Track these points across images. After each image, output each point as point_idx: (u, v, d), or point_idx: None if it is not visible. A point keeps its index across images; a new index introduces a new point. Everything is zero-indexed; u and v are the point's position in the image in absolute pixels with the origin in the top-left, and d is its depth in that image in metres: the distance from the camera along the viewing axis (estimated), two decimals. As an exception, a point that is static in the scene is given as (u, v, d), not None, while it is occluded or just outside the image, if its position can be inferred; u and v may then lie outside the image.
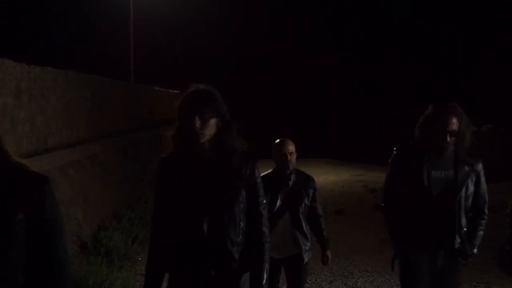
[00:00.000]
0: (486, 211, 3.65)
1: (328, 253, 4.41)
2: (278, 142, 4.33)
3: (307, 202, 4.32)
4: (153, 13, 30.54)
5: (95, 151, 10.80)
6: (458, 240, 3.51)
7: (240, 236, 2.66)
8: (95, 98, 12.14)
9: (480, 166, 3.59)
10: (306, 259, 4.30)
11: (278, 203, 4.24)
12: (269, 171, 4.41)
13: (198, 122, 2.55)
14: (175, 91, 22.76)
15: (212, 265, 2.61)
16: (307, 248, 4.29)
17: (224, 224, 2.61)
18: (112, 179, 10.95)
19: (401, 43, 35.38)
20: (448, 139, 3.39)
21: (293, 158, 4.27)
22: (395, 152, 3.68)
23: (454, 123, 3.40)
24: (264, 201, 2.76)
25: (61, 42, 33.89)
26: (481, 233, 3.64)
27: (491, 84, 31.13)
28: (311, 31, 38.12)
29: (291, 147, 4.29)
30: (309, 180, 4.41)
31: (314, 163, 20.98)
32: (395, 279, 6.79)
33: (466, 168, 3.52)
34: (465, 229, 3.54)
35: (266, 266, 2.69)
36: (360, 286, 6.61)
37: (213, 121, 2.59)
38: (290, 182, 4.30)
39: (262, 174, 4.42)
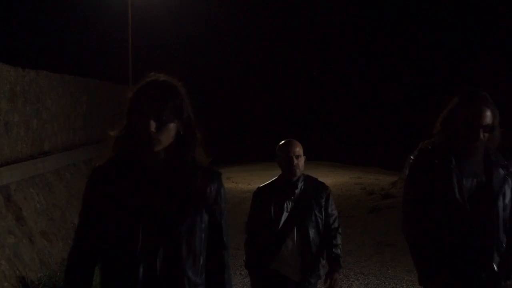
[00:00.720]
0: None
1: (336, 276, 3.70)
2: (283, 143, 3.65)
3: (318, 214, 3.68)
4: (152, 14, 30.56)
5: (91, 155, 10.82)
6: (497, 259, 2.82)
7: (199, 275, 2.09)
8: (92, 101, 12.16)
9: None
10: (313, 281, 3.74)
11: (284, 217, 3.60)
12: (273, 179, 3.78)
13: (153, 125, 1.96)
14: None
15: None
16: (316, 269, 3.73)
17: (182, 258, 2.03)
18: (108, 182, 10.95)
19: (400, 44, 35.43)
20: (482, 135, 2.73)
21: (300, 162, 3.60)
22: (413, 160, 2.94)
23: (488, 116, 2.73)
24: (228, 229, 2.23)
25: (60, 43, 33.93)
26: None
27: (491, 84, 31.18)
28: (310, 31, 38.17)
29: (299, 149, 3.60)
30: (320, 187, 3.74)
31: (312, 165, 20.85)
32: (389, 282, 6.77)
33: (501, 171, 2.84)
34: (504, 245, 2.86)
35: None
36: (355, 289, 6.59)
37: (172, 125, 2.01)
38: (297, 191, 3.62)
39: (262, 185, 3.78)
